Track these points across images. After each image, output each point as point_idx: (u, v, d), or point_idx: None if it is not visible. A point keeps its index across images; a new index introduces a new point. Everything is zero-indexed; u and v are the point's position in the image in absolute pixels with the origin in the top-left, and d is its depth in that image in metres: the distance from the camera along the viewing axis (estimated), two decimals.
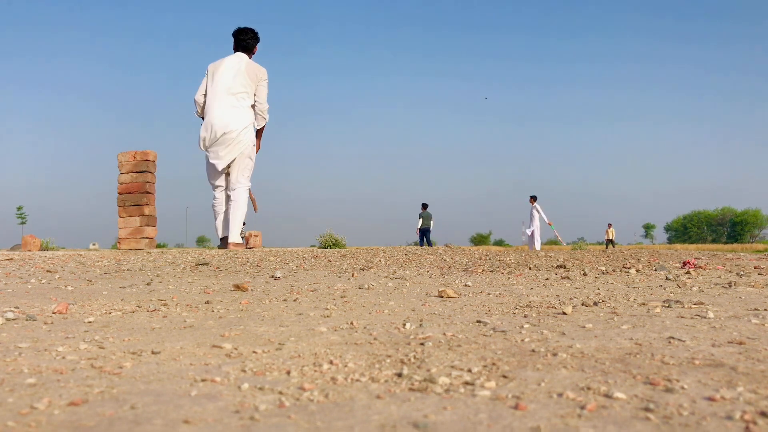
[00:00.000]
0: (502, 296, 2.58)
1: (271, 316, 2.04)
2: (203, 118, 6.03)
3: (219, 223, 6.22)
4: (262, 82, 6.02)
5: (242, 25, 6.12)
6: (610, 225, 26.05)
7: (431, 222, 18.18)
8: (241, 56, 6.05)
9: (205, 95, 6.00)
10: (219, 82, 5.89)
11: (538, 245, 16.53)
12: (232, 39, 6.13)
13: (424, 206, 18.33)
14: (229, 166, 6.04)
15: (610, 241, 25.57)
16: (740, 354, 1.34)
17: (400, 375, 1.17)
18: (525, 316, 1.97)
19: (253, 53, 6.14)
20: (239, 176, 6.05)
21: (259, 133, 6.18)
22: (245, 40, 6.05)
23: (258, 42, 6.16)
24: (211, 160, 5.97)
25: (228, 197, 6.14)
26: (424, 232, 18.10)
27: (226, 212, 6.16)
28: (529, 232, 16.72)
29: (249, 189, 6.18)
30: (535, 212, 16.63)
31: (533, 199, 16.86)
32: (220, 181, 6.14)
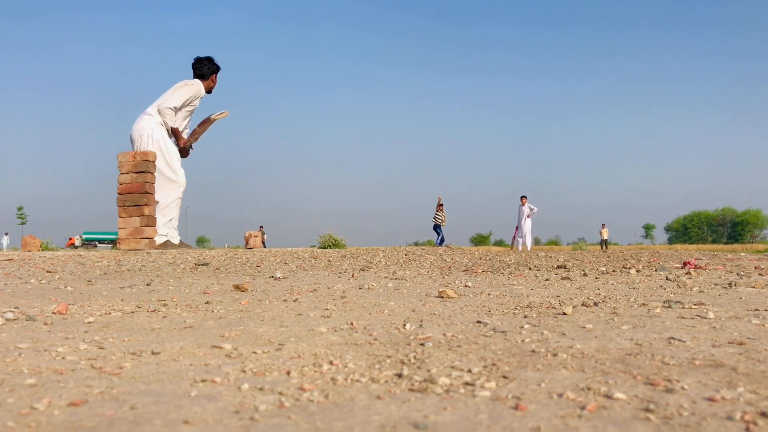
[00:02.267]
0: (503, 297, 2.58)
1: (271, 316, 2.03)
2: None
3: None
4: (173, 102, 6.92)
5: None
6: (603, 225, 26.81)
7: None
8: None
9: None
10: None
11: (529, 244, 16.58)
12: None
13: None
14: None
15: (604, 241, 26.37)
16: (740, 354, 1.34)
17: (400, 375, 1.17)
18: (525, 317, 1.96)
19: (210, 80, 6.90)
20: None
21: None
22: (199, 69, 6.83)
23: (213, 71, 6.89)
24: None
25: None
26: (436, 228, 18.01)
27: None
28: (522, 232, 16.74)
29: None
30: (525, 211, 16.68)
31: (524, 198, 16.91)
32: None
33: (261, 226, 26.79)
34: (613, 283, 3.13)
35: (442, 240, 17.56)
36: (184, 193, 6.84)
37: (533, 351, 1.40)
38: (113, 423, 0.89)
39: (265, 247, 11.53)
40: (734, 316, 1.92)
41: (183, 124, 6.88)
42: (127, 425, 0.88)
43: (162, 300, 2.51)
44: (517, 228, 16.91)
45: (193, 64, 6.76)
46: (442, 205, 17.79)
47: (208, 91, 6.86)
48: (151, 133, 6.61)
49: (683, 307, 2.13)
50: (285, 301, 2.48)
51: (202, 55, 6.82)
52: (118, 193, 6.59)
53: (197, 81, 6.71)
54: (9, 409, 0.96)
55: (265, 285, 3.17)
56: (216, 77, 6.86)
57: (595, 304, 2.24)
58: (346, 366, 1.26)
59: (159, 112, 6.63)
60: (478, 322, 1.85)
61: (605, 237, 26.75)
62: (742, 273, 3.61)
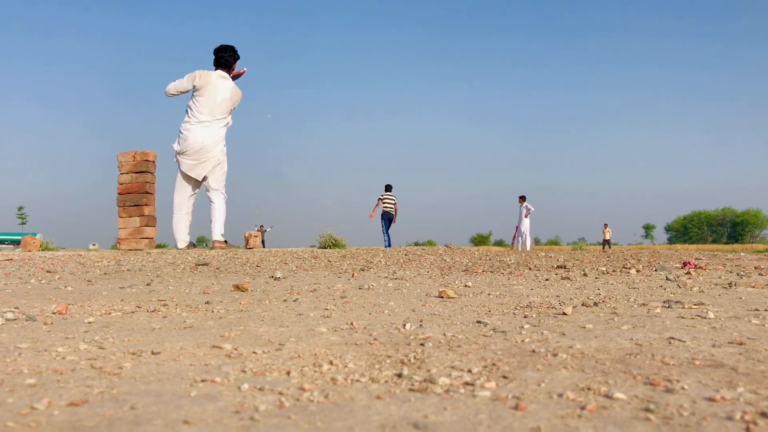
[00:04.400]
0: (503, 297, 2.58)
1: (271, 316, 2.04)
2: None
3: (183, 229, 6.59)
4: (237, 105, 6.57)
5: (231, 39, 6.76)
6: (606, 225, 26.91)
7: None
8: (226, 77, 6.45)
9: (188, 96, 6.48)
10: (206, 100, 6.34)
11: (528, 245, 16.58)
12: (213, 55, 6.55)
13: (388, 188, 14.05)
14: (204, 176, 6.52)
15: (606, 242, 26.42)
16: (740, 354, 1.34)
17: (400, 375, 1.17)
18: (525, 317, 1.97)
19: (232, 70, 6.57)
20: (216, 183, 6.50)
21: None
22: (224, 58, 6.46)
23: (237, 60, 6.58)
24: (183, 169, 6.42)
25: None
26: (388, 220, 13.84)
27: (188, 217, 6.60)
28: (520, 232, 16.73)
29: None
30: (523, 211, 16.67)
31: (522, 199, 16.90)
32: (190, 190, 6.58)
33: (261, 226, 26.52)
34: (613, 283, 3.13)
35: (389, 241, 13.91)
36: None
37: (533, 351, 1.40)
38: (113, 423, 0.89)
39: (263, 246, 11.40)
40: (734, 316, 1.92)
41: (227, 119, 6.56)
42: (127, 425, 0.88)
43: (162, 300, 2.51)
44: (517, 228, 16.92)
45: (216, 51, 6.48)
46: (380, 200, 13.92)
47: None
48: (223, 145, 6.50)
49: (683, 307, 2.13)
50: (285, 301, 2.48)
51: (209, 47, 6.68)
52: (118, 193, 6.59)
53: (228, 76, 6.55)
54: (9, 409, 0.96)
55: (265, 285, 3.17)
56: (235, 65, 6.69)
57: (595, 304, 2.24)
58: (346, 366, 1.26)
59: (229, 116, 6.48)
60: (478, 322, 1.85)
61: (608, 237, 26.80)
62: (742, 273, 3.61)
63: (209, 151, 6.36)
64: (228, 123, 6.52)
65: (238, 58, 6.59)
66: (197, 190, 6.58)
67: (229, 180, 6.67)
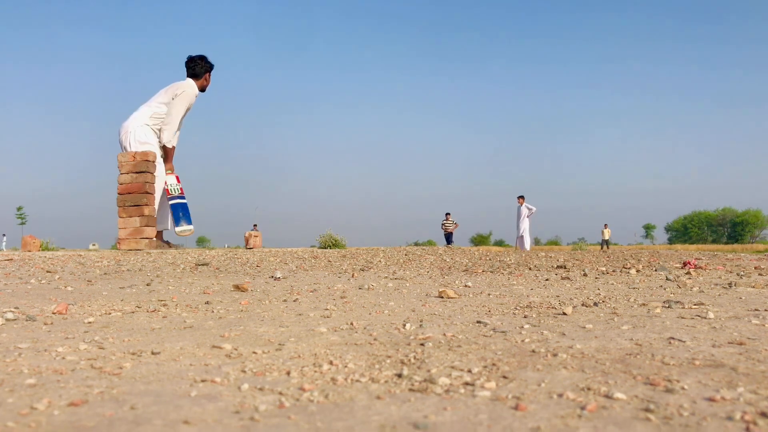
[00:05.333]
0: (503, 297, 2.58)
1: (271, 316, 2.04)
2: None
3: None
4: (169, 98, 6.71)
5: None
6: (606, 225, 27.10)
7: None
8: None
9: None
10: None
11: (527, 245, 16.53)
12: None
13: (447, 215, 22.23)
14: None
15: (605, 242, 26.67)
16: (740, 354, 1.34)
17: (400, 375, 1.17)
18: (525, 317, 1.96)
19: (199, 78, 6.68)
20: None
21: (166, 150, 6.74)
22: (192, 68, 6.66)
23: (206, 70, 6.70)
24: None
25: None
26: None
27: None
28: (520, 232, 16.68)
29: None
30: (523, 212, 16.62)
31: (521, 198, 16.85)
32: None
33: (255, 225, 26.52)
34: (613, 283, 3.13)
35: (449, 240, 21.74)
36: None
37: (533, 351, 1.40)
38: (113, 423, 0.89)
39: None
40: (734, 316, 1.92)
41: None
42: (127, 425, 0.88)
43: (162, 300, 2.51)
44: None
45: (186, 63, 6.60)
46: None
47: (202, 89, 6.69)
48: (136, 134, 6.55)
49: (683, 307, 2.13)
50: (285, 301, 2.48)
51: (195, 53, 6.72)
52: (118, 193, 6.59)
53: (190, 84, 6.53)
54: (9, 409, 0.96)
55: (265, 285, 3.17)
56: (209, 76, 6.69)
57: (595, 304, 2.24)
58: (346, 366, 1.26)
59: (160, 131, 6.55)
60: (478, 322, 1.85)
61: (607, 237, 27.02)
62: (742, 273, 3.61)
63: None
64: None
65: (210, 67, 6.69)
66: None
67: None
